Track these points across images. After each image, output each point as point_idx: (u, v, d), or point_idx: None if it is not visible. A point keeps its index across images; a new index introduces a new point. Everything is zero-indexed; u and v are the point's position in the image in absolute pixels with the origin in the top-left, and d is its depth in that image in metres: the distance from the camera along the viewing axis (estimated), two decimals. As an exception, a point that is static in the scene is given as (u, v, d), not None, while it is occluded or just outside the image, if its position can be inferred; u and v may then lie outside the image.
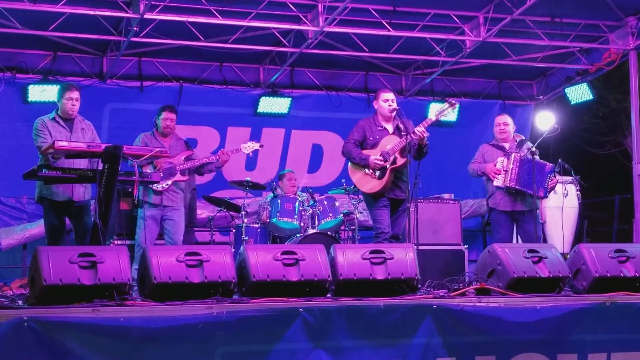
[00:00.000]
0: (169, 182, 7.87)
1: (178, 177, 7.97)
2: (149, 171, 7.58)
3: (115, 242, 8.38)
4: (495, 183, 7.91)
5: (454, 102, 7.56)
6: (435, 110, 8.12)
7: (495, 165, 7.93)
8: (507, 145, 8.15)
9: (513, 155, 7.88)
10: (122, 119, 10.85)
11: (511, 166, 7.82)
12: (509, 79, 12.60)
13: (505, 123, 8.23)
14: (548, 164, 7.95)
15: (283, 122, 11.75)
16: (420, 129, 7.12)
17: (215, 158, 8.17)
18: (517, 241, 8.23)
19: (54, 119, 7.08)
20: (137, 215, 8.24)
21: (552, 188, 8.17)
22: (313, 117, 11.89)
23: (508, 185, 7.82)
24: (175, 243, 7.85)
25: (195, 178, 9.40)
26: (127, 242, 8.08)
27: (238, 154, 8.57)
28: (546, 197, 8.25)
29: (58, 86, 7.60)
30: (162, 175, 7.71)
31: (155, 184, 7.62)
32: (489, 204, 8.14)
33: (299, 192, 9.74)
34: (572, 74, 11.81)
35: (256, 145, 8.57)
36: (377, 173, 7.23)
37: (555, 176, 8.06)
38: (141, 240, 7.74)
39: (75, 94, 7.10)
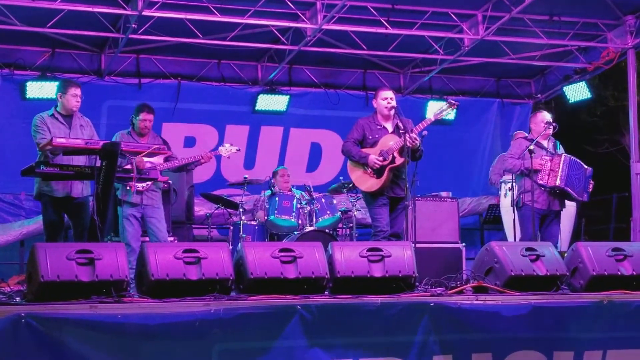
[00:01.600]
0: (149, 182, 7.76)
1: (158, 177, 7.85)
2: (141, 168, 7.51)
3: (113, 239, 8.37)
4: (541, 181, 7.81)
5: (453, 102, 7.54)
6: (434, 109, 8.10)
7: (541, 162, 7.84)
8: (545, 144, 8.08)
9: (564, 155, 7.82)
10: (120, 116, 10.77)
11: (561, 166, 7.77)
12: (507, 77, 12.62)
13: (550, 121, 8.05)
14: (588, 167, 7.94)
15: (281, 120, 11.76)
16: (412, 136, 7.09)
17: (195, 159, 8.02)
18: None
19: (52, 115, 7.08)
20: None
21: (591, 192, 8.17)
22: (311, 115, 11.89)
23: (557, 184, 7.76)
24: (161, 241, 7.79)
25: (192, 175, 9.40)
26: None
27: (220, 156, 8.38)
28: (589, 200, 8.20)
29: (57, 83, 7.59)
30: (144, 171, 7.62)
31: (138, 184, 7.53)
32: (523, 199, 7.93)
33: (294, 189, 9.75)
34: (571, 73, 11.82)
35: (234, 149, 8.34)
36: (376, 172, 7.24)
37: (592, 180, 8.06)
38: (129, 239, 7.68)
39: (79, 91, 7.12)
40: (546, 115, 8.21)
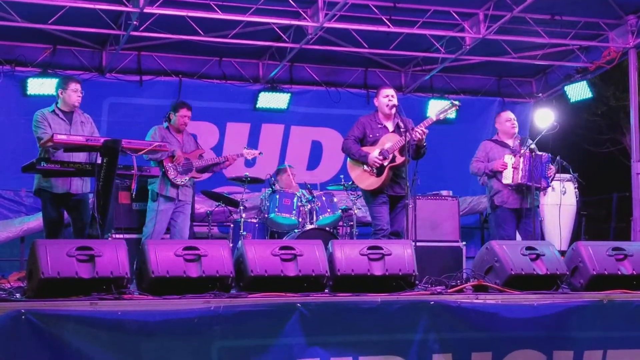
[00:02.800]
0: (187, 178, 8.02)
1: (194, 173, 8.13)
2: (169, 164, 7.85)
3: (114, 235, 8.38)
4: (505, 181, 7.84)
5: (456, 102, 7.55)
6: (436, 109, 8.10)
7: (503, 163, 7.89)
8: (510, 142, 8.12)
9: (524, 152, 7.83)
10: (121, 113, 10.85)
11: (522, 163, 7.77)
12: (508, 77, 12.61)
13: (514, 119, 8.20)
14: (544, 154, 7.93)
15: (282, 118, 11.75)
16: (421, 129, 7.11)
17: (222, 159, 8.32)
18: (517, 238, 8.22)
19: (53, 111, 7.09)
20: (136, 209, 8.30)
21: (552, 177, 8.14)
22: (312, 112, 11.88)
23: (520, 182, 7.77)
24: (183, 236, 7.97)
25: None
26: (125, 236, 8.09)
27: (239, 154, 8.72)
28: (549, 186, 8.21)
29: (57, 79, 7.60)
30: (180, 170, 7.96)
31: (179, 178, 7.75)
32: (494, 202, 8.00)
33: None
34: (572, 72, 11.80)
35: (256, 153, 8.86)
36: (376, 170, 7.24)
37: (552, 165, 8.04)
38: (154, 235, 7.81)
39: (79, 86, 7.15)
40: (510, 114, 8.29)
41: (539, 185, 7.84)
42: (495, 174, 7.96)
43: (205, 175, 8.67)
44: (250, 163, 11.27)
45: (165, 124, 8.26)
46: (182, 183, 7.99)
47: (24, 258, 8.92)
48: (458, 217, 9.72)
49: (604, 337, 5.35)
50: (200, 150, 8.39)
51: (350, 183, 8.75)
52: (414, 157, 7.32)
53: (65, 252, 4.75)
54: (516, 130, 8.18)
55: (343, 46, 10.76)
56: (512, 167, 7.82)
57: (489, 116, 12.54)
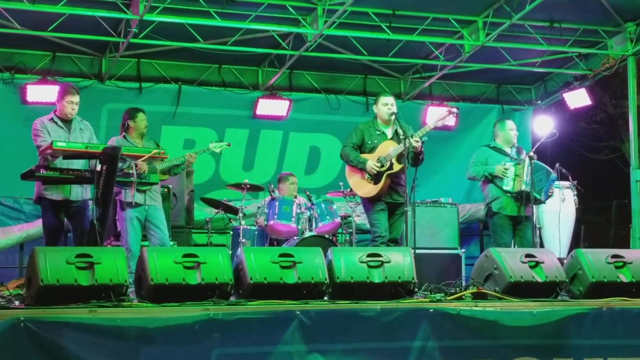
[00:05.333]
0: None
1: (159, 176, 7.92)
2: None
3: (112, 243, 8.36)
4: (506, 187, 7.84)
5: (454, 110, 7.55)
6: (434, 116, 8.10)
7: (504, 169, 7.86)
8: (509, 151, 8.12)
9: (527, 160, 7.82)
10: (120, 120, 10.82)
11: (525, 170, 7.77)
12: (507, 84, 12.63)
13: (515, 127, 8.22)
14: (553, 172, 7.94)
15: (281, 125, 11.75)
16: (415, 139, 7.09)
17: (182, 159, 8.07)
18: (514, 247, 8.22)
19: (51, 119, 7.08)
20: None
21: (549, 196, 8.16)
22: (311, 119, 11.89)
23: (522, 189, 7.76)
24: (164, 242, 7.80)
25: (192, 180, 9.37)
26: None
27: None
28: (544, 202, 8.23)
29: (57, 87, 7.59)
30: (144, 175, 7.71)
31: (142, 184, 7.60)
32: (492, 208, 7.96)
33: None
34: (571, 79, 11.83)
35: (224, 145, 8.43)
36: (374, 178, 7.23)
37: (554, 186, 8.07)
38: (130, 243, 7.66)
39: (76, 98, 7.10)
40: (513, 124, 8.29)
41: (538, 196, 7.83)
42: (494, 179, 7.95)
43: (164, 177, 8.21)
44: (249, 168, 11.28)
45: (122, 134, 8.06)
46: (147, 188, 7.80)
47: (23, 265, 8.93)
48: (457, 224, 9.72)
49: (603, 345, 5.34)
50: (165, 156, 8.07)
51: (349, 190, 8.74)
52: (413, 164, 7.31)
53: (64, 259, 4.75)
54: (515, 140, 8.17)
55: (342, 53, 10.78)
56: (515, 175, 7.80)
57: (488, 123, 12.55)
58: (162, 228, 7.83)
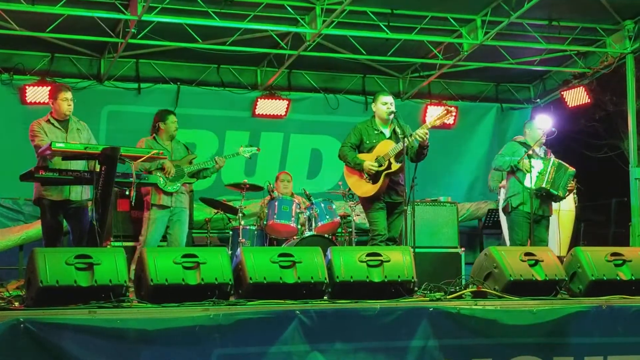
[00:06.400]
0: (179, 185, 7.93)
1: (186, 179, 8.04)
2: (159, 174, 7.73)
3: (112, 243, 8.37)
4: (528, 183, 7.78)
5: (451, 109, 7.54)
6: (432, 116, 8.10)
7: (530, 165, 7.82)
8: (537, 150, 8.09)
9: (552, 159, 7.83)
10: (120, 122, 10.84)
11: (549, 169, 7.77)
12: (506, 82, 12.64)
13: (543, 127, 8.15)
14: (571, 167, 7.94)
15: (281, 126, 11.75)
16: (422, 132, 7.07)
17: (211, 162, 8.21)
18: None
19: (48, 120, 7.08)
20: (135, 217, 8.29)
21: (571, 191, 8.14)
22: (311, 119, 11.89)
23: (542, 186, 7.75)
24: (180, 244, 7.91)
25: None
26: (124, 243, 8.07)
27: (237, 157, 8.62)
28: (564, 198, 8.15)
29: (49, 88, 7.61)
30: (171, 177, 7.83)
31: (169, 186, 7.73)
32: (511, 203, 7.91)
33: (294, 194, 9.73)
34: (570, 78, 11.82)
35: (254, 149, 8.72)
36: (372, 178, 7.22)
37: (574, 180, 8.06)
38: (148, 243, 7.78)
39: (69, 94, 7.11)
40: (540, 123, 8.23)
41: (556, 192, 7.83)
42: (517, 172, 7.89)
43: (191, 180, 8.35)
44: (250, 172, 11.27)
45: (153, 135, 8.16)
46: (175, 190, 7.91)
47: (23, 266, 8.92)
48: (457, 223, 9.72)
49: (603, 343, 5.35)
50: (191, 156, 8.27)
51: (347, 190, 8.74)
52: (416, 159, 7.27)
53: (64, 260, 4.75)
54: (544, 140, 8.12)
55: (341, 53, 10.77)
56: (538, 172, 7.79)
57: (487, 122, 12.57)
58: (183, 228, 8.01)
